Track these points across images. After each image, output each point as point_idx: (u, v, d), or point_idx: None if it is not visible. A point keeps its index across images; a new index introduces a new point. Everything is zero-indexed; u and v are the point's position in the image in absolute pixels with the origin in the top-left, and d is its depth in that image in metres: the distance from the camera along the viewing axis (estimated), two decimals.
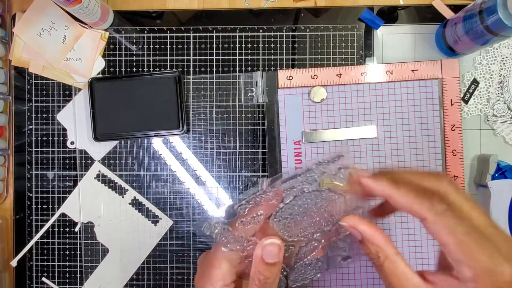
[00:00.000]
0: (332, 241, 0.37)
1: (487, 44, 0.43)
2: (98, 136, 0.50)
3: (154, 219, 0.51)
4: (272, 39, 0.51)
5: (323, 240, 0.37)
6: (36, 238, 0.52)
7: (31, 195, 0.52)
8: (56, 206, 0.52)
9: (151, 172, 0.51)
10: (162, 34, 0.51)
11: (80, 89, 0.51)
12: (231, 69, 0.51)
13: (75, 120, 0.51)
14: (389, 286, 0.29)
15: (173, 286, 0.51)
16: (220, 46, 0.51)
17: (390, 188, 0.30)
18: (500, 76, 0.49)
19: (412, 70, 0.48)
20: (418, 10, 0.50)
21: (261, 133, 0.51)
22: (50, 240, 0.52)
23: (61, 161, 0.52)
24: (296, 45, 0.51)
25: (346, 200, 0.36)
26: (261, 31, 0.51)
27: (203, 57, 0.51)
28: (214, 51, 0.51)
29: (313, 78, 0.49)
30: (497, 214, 0.46)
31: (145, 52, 0.51)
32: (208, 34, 0.51)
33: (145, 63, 0.51)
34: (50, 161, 0.52)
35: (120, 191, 0.51)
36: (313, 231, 0.37)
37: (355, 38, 0.50)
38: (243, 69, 0.51)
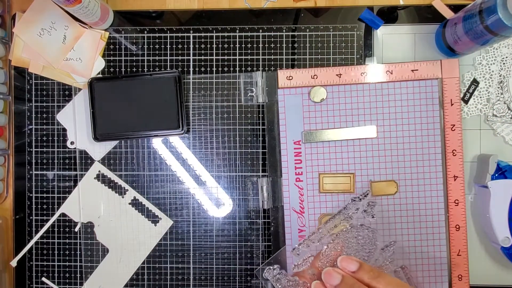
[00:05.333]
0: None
1: (487, 44, 0.43)
2: (98, 136, 0.50)
3: (154, 219, 0.51)
4: (272, 39, 0.51)
5: None
6: (36, 238, 0.52)
7: (31, 195, 0.52)
8: (56, 206, 0.52)
9: (151, 172, 0.51)
10: (162, 34, 0.51)
11: (80, 89, 0.51)
12: (231, 69, 0.51)
13: (75, 120, 0.51)
14: None
15: (173, 286, 0.51)
16: (220, 46, 0.51)
17: None
18: (500, 76, 0.49)
19: (412, 70, 0.48)
20: (418, 10, 0.50)
21: (261, 133, 0.51)
22: (50, 240, 0.52)
23: (61, 161, 0.52)
24: (296, 45, 0.51)
25: (377, 235, 0.43)
26: (261, 31, 0.51)
27: (203, 57, 0.51)
28: (214, 51, 0.51)
29: (313, 78, 0.49)
30: (497, 214, 0.46)
31: (145, 52, 0.51)
32: (208, 34, 0.51)
33: (145, 63, 0.51)
34: (50, 161, 0.52)
35: (120, 191, 0.51)
36: None
37: (355, 38, 0.50)
38: (243, 69, 0.51)
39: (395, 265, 0.45)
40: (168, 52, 0.51)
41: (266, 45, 0.51)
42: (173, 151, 0.51)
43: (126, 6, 0.52)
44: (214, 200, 0.51)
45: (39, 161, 0.52)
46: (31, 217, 0.52)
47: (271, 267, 0.45)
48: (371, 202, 0.46)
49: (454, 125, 0.48)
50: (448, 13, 0.49)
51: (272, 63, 0.51)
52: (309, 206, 0.49)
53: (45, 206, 0.52)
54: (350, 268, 0.39)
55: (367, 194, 0.47)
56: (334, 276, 0.39)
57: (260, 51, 0.51)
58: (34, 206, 0.52)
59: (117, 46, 0.51)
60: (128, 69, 0.51)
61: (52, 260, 0.52)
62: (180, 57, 0.51)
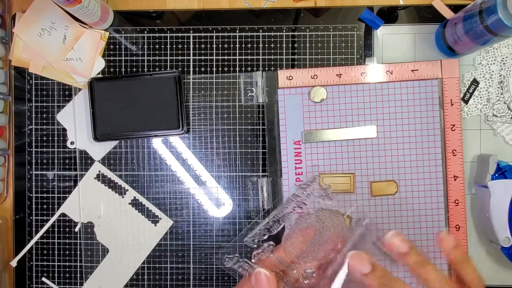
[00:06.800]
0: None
1: (487, 44, 0.43)
2: (98, 136, 0.50)
3: (154, 219, 0.51)
4: (272, 39, 0.51)
5: (342, 258, 0.40)
6: (36, 238, 0.52)
7: (31, 195, 0.52)
8: (56, 206, 0.52)
9: (151, 172, 0.51)
10: (162, 34, 0.51)
11: (80, 89, 0.51)
12: (231, 69, 0.51)
13: (75, 120, 0.51)
14: None
15: (173, 286, 0.51)
16: (220, 46, 0.51)
17: None
18: (500, 76, 0.49)
19: (412, 70, 0.48)
20: (418, 10, 0.50)
21: (261, 133, 0.51)
22: (50, 240, 0.52)
23: (61, 161, 0.52)
24: (296, 45, 0.51)
25: (345, 218, 0.41)
26: (261, 31, 0.51)
27: (203, 57, 0.51)
28: (214, 51, 0.51)
29: (313, 78, 0.49)
30: (497, 214, 0.46)
31: (145, 52, 0.51)
32: (208, 34, 0.51)
33: (145, 63, 0.51)
34: (50, 161, 0.52)
35: (120, 191, 0.51)
36: (326, 252, 0.41)
37: (355, 38, 0.50)
38: (243, 69, 0.51)
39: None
40: (168, 52, 0.51)
41: (266, 45, 0.51)
42: (173, 151, 0.51)
43: (126, 6, 0.52)
44: (214, 200, 0.51)
45: (39, 161, 0.52)
46: (31, 217, 0.52)
47: (230, 256, 0.45)
48: (322, 186, 0.46)
49: (454, 125, 0.48)
50: (448, 13, 0.49)
51: (272, 63, 0.51)
52: (309, 206, 0.49)
53: (45, 206, 0.52)
54: (361, 270, 0.35)
55: (315, 179, 0.47)
56: (364, 263, 0.35)
57: (260, 51, 0.51)
58: (34, 206, 0.52)
59: (117, 46, 0.51)
60: (128, 69, 0.51)
61: (52, 260, 0.52)
62: (180, 57, 0.51)
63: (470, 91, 0.49)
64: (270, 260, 0.42)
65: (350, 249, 0.40)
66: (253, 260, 0.43)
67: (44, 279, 0.52)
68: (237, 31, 0.51)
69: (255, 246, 0.45)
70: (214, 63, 0.51)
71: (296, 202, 0.45)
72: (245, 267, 0.42)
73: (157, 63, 0.51)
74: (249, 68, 0.51)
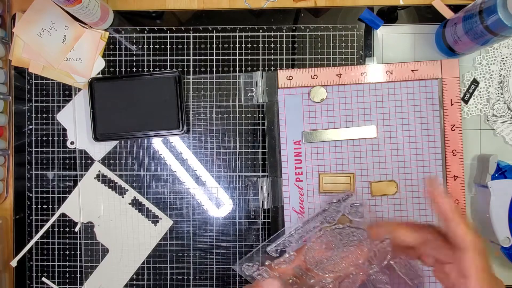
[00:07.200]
0: (370, 274, 0.41)
1: (487, 44, 0.43)
2: (98, 136, 0.50)
3: (154, 219, 0.51)
4: (272, 39, 0.51)
5: (360, 273, 0.40)
6: (36, 238, 0.52)
7: (31, 195, 0.52)
8: (56, 206, 0.52)
9: (151, 172, 0.51)
10: (162, 34, 0.51)
11: (80, 89, 0.51)
12: (231, 69, 0.51)
13: (75, 120, 0.51)
14: None
15: (173, 286, 0.51)
16: (220, 46, 0.51)
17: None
18: (500, 76, 0.49)
19: (412, 70, 0.48)
20: (418, 10, 0.50)
21: (261, 133, 0.51)
22: (50, 240, 0.52)
23: (61, 161, 0.52)
24: (296, 45, 0.51)
25: (369, 234, 0.41)
26: (261, 31, 0.51)
27: (203, 57, 0.51)
28: (214, 51, 0.51)
29: (313, 78, 0.49)
30: (497, 214, 0.46)
31: (145, 52, 0.51)
32: (208, 34, 0.51)
33: (145, 63, 0.51)
34: (50, 161, 0.52)
35: (120, 191, 0.51)
36: (346, 266, 0.41)
37: (355, 38, 0.50)
38: (243, 69, 0.51)
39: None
40: (168, 52, 0.51)
41: (266, 45, 0.51)
42: (173, 151, 0.51)
43: (126, 6, 0.52)
44: (214, 200, 0.51)
45: (39, 161, 0.52)
46: (31, 217, 0.52)
47: (249, 264, 0.45)
48: (354, 203, 0.46)
49: (454, 125, 0.48)
50: (448, 13, 0.49)
51: (272, 63, 0.51)
52: (309, 206, 0.49)
53: (45, 206, 0.52)
54: None
55: (348, 197, 0.46)
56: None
57: (260, 51, 0.51)
58: (34, 206, 0.52)
59: (117, 46, 0.51)
60: (128, 69, 0.51)
61: (52, 260, 0.52)
62: (180, 57, 0.51)
63: (470, 91, 0.49)
64: (288, 267, 0.42)
65: (375, 269, 0.41)
66: (267, 263, 0.43)
67: (44, 279, 0.52)
68: (237, 31, 0.51)
69: (277, 255, 0.45)
70: (214, 63, 0.51)
71: (325, 217, 0.45)
72: (265, 275, 0.42)
73: (157, 63, 0.51)
74: (249, 68, 0.51)
